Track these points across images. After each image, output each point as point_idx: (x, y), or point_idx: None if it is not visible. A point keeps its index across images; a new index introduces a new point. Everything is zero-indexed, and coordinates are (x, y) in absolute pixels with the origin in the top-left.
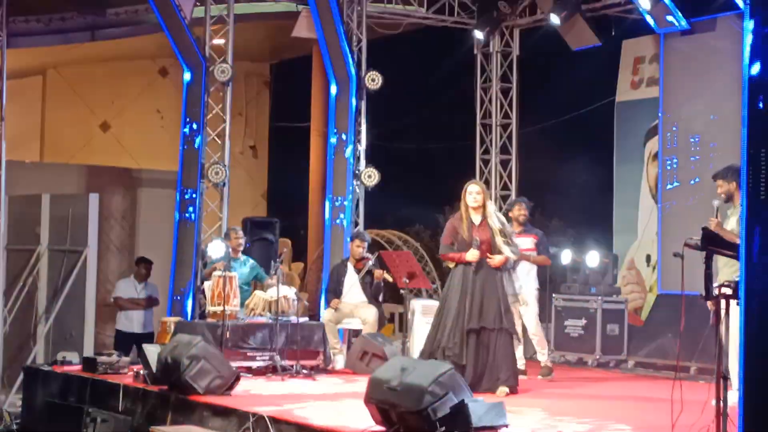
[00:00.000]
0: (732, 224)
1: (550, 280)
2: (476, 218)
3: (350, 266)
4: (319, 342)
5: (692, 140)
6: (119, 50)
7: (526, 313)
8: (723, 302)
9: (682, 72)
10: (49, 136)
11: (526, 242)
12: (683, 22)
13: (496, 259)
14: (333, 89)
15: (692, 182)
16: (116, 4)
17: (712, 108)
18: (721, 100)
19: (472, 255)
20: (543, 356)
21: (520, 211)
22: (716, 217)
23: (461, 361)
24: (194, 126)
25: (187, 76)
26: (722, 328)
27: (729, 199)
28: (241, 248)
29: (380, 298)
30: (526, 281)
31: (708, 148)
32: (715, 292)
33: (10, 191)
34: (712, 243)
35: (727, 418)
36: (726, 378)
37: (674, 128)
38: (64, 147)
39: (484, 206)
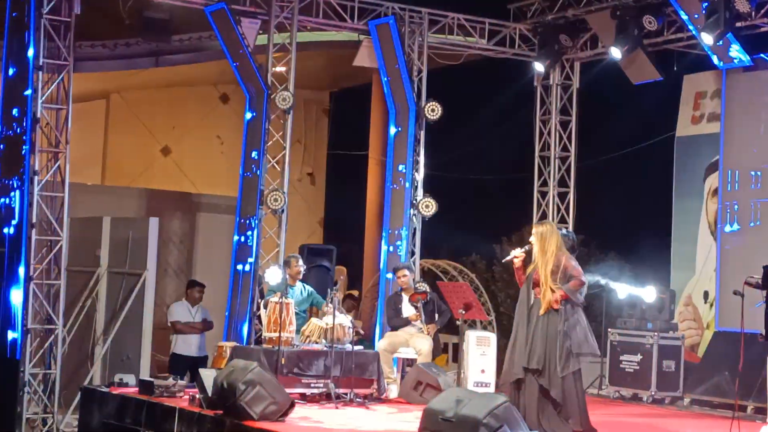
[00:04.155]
0: None
1: (606, 315)
2: (539, 258)
3: (405, 297)
4: (373, 370)
5: (753, 177)
6: (182, 76)
7: None
8: None
9: (743, 108)
10: (111, 159)
11: None
12: (746, 59)
13: (542, 307)
14: (392, 118)
15: (752, 224)
16: (181, 30)
17: None
18: None
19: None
20: None
21: None
22: None
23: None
24: (254, 153)
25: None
26: None
27: None
28: (300, 277)
29: (443, 317)
30: None
31: None
32: None
33: (72, 213)
34: None
35: None
36: None
37: (735, 165)
38: (126, 170)
39: (543, 246)
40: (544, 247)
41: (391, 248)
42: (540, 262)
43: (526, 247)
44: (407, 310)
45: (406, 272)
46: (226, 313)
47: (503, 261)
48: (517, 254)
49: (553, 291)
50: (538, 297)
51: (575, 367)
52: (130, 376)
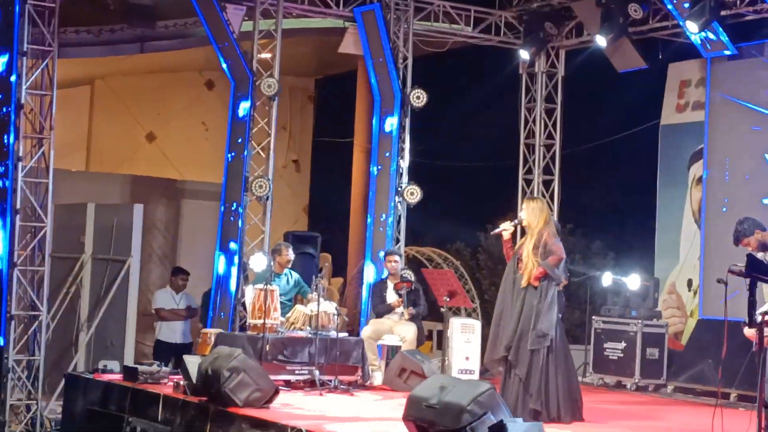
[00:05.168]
0: None
1: (590, 302)
2: (527, 233)
3: (390, 285)
4: (357, 358)
5: (737, 166)
6: (167, 62)
7: None
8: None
9: (728, 96)
10: (96, 145)
11: None
12: (730, 47)
13: (523, 279)
14: (377, 106)
15: (736, 213)
16: (166, 16)
17: (759, 133)
18: None
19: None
20: None
21: None
22: None
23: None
24: (239, 139)
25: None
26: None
27: (765, 248)
28: (289, 265)
29: (421, 307)
30: None
31: (755, 174)
32: (758, 319)
33: (56, 200)
34: (757, 270)
35: None
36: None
37: (719, 153)
38: (110, 157)
39: (530, 220)
40: (531, 222)
41: (377, 237)
42: (526, 237)
43: (516, 221)
44: (391, 297)
45: (397, 258)
46: (211, 300)
47: (492, 233)
48: (506, 227)
49: (533, 266)
50: (521, 272)
51: (542, 344)
52: (114, 363)
